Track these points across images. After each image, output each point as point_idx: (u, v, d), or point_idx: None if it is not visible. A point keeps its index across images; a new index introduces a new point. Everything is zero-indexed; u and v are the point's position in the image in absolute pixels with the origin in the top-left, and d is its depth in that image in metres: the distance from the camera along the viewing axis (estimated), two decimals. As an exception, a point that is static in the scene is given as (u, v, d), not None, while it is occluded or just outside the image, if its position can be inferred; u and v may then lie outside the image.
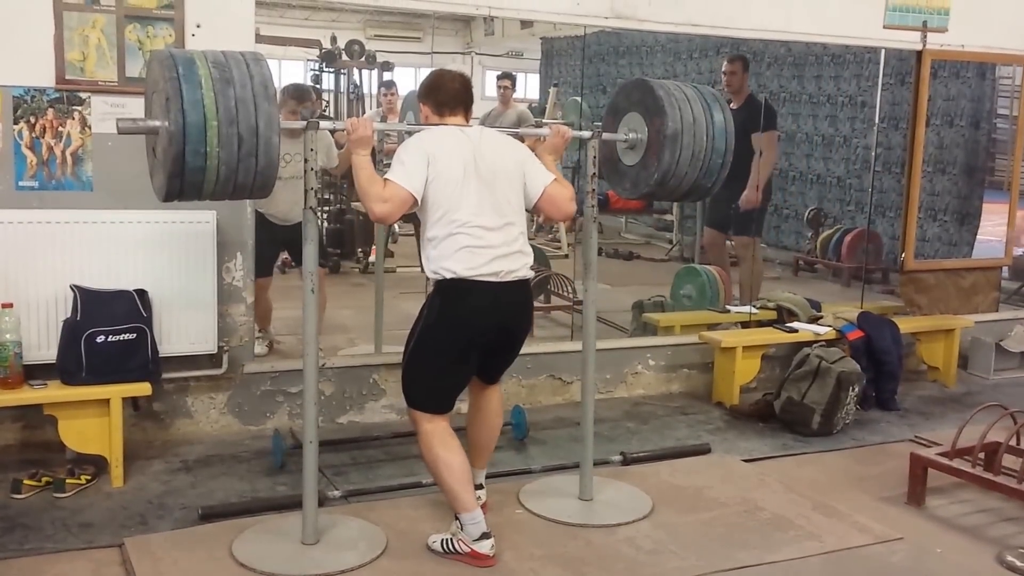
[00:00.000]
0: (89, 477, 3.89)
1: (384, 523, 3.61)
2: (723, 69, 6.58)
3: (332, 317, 6.16)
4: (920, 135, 6.02)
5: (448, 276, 3.29)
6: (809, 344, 5.28)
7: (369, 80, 9.52)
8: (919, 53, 5.88)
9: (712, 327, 5.88)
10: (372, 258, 7.69)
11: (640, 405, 5.31)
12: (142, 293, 4.10)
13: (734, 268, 6.89)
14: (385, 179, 3.27)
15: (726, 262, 6.82)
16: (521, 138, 3.73)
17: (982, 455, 3.95)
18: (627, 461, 4.37)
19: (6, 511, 3.64)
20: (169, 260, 4.22)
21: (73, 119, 4.12)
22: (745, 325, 5.92)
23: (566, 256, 8.03)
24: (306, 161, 3.30)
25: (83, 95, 4.12)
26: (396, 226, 8.20)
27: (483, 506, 3.51)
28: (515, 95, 8.99)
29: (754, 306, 6.01)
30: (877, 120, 7.51)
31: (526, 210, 3.51)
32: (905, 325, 5.76)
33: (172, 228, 4.20)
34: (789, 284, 8.14)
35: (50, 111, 4.09)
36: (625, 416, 5.11)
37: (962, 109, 7.69)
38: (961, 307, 6.29)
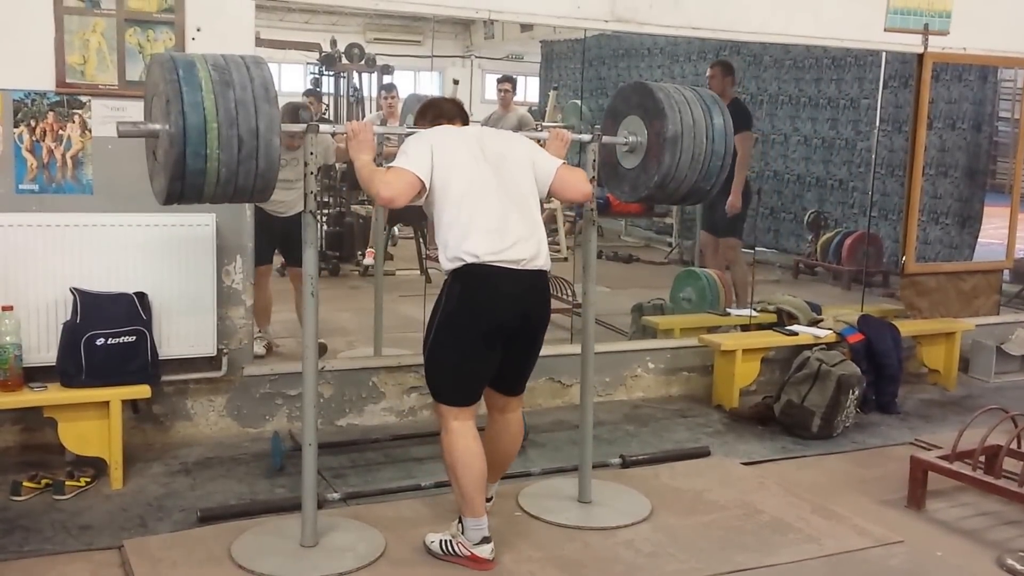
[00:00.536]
0: (88, 479, 3.89)
1: (383, 526, 3.61)
2: (707, 74, 6.58)
3: (331, 320, 6.15)
4: (921, 138, 6.02)
5: (470, 261, 3.23)
6: (809, 347, 5.27)
7: (369, 83, 9.54)
8: (920, 56, 5.88)
9: (712, 330, 5.89)
10: (368, 260, 7.68)
11: (639, 408, 5.31)
12: (142, 296, 4.10)
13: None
14: (389, 166, 3.28)
15: (723, 265, 6.82)
16: (521, 141, 3.73)
17: (983, 458, 3.95)
18: (626, 464, 4.37)
19: (6, 513, 3.64)
20: (169, 263, 4.22)
21: (73, 122, 4.12)
22: (745, 328, 5.93)
23: (565, 259, 8.01)
24: (306, 165, 3.30)
25: (83, 98, 4.12)
26: (396, 229, 8.21)
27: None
28: (515, 98, 8.99)
29: (754, 309, 6.00)
30: (878, 123, 7.52)
31: (540, 200, 3.46)
32: (906, 328, 5.76)
33: (172, 231, 4.21)
34: (789, 287, 8.15)
35: (50, 114, 4.09)
36: (624, 419, 5.11)
37: (964, 112, 7.68)
38: (962, 310, 6.28)
